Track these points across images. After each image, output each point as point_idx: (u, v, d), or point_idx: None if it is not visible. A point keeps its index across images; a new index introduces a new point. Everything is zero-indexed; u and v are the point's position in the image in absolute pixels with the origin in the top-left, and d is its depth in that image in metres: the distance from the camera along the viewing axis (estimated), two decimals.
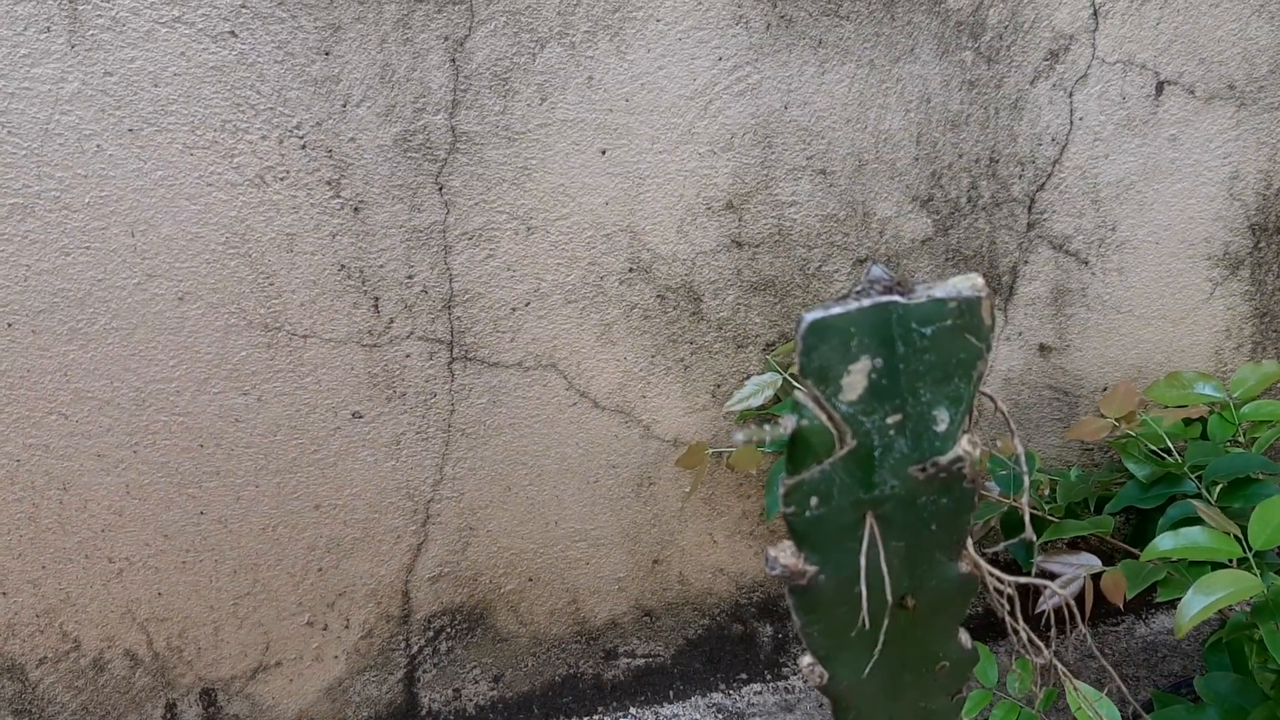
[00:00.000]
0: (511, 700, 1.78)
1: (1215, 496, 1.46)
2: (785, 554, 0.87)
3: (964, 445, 0.83)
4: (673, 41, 1.50)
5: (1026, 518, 0.75)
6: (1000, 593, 0.91)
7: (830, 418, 0.81)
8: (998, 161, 1.66)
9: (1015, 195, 1.69)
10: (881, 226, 1.65)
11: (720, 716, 1.81)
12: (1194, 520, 1.43)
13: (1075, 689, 1.07)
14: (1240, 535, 1.21)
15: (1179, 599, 1.35)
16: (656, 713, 1.82)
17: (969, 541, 0.89)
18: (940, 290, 0.79)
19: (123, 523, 1.53)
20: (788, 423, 0.80)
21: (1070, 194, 1.70)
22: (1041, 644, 0.96)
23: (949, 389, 0.82)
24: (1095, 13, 1.62)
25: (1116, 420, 1.59)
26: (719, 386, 1.68)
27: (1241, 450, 1.55)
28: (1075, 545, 1.67)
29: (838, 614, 0.90)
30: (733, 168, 1.57)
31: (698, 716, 1.82)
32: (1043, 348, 1.78)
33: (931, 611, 0.92)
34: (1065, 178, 1.69)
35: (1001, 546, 1.17)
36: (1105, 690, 1.35)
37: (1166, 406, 1.65)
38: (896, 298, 0.79)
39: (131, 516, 1.53)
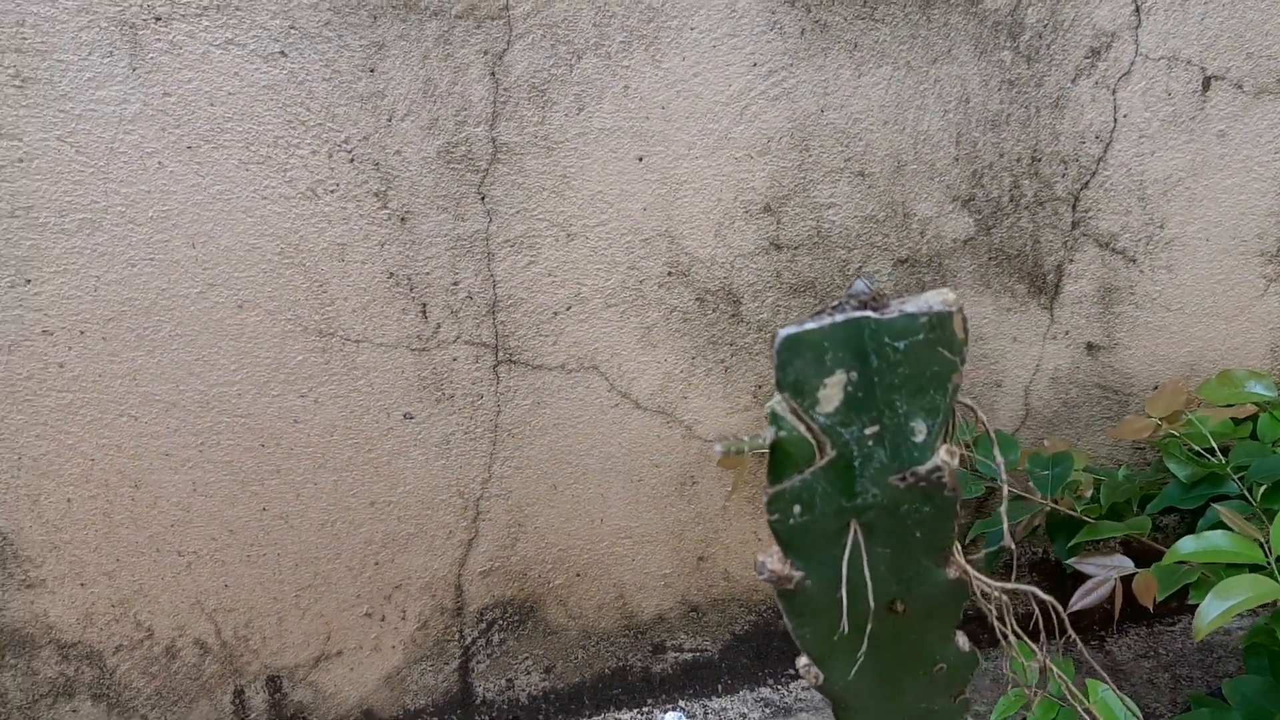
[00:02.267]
0: (563, 691, 1.83)
1: (1259, 498, 1.45)
2: (773, 559, 0.90)
3: (942, 455, 0.85)
4: (707, 49, 1.53)
5: (1005, 522, 0.77)
6: (988, 598, 0.92)
7: (809, 429, 0.84)
8: (1040, 160, 1.66)
9: (1059, 194, 1.68)
10: (922, 227, 1.66)
11: (768, 711, 1.84)
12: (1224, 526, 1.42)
13: (1063, 681, 1.08)
14: (1263, 541, 1.20)
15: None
16: (705, 706, 1.86)
17: (956, 548, 0.91)
18: (912, 305, 0.81)
19: (190, 518, 1.62)
20: (766, 434, 0.83)
21: (1116, 191, 1.69)
22: (1035, 648, 0.97)
23: (925, 401, 0.84)
24: (1137, 9, 1.60)
25: (1160, 420, 1.58)
26: (760, 387, 1.71)
27: None
28: (1126, 546, 1.66)
29: (826, 617, 0.93)
30: (770, 171, 1.60)
31: (746, 710, 1.85)
32: (1090, 346, 1.77)
33: (923, 616, 0.95)
34: (1110, 175, 1.68)
35: (980, 555, 1.18)
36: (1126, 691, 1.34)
37: (1219, 405, 1.63)
38: (869, 313, 0.81)
39: (199, 512, 1.62)
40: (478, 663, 1.79)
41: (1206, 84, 1.65)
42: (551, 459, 1.69)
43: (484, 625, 1.77)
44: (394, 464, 1.65)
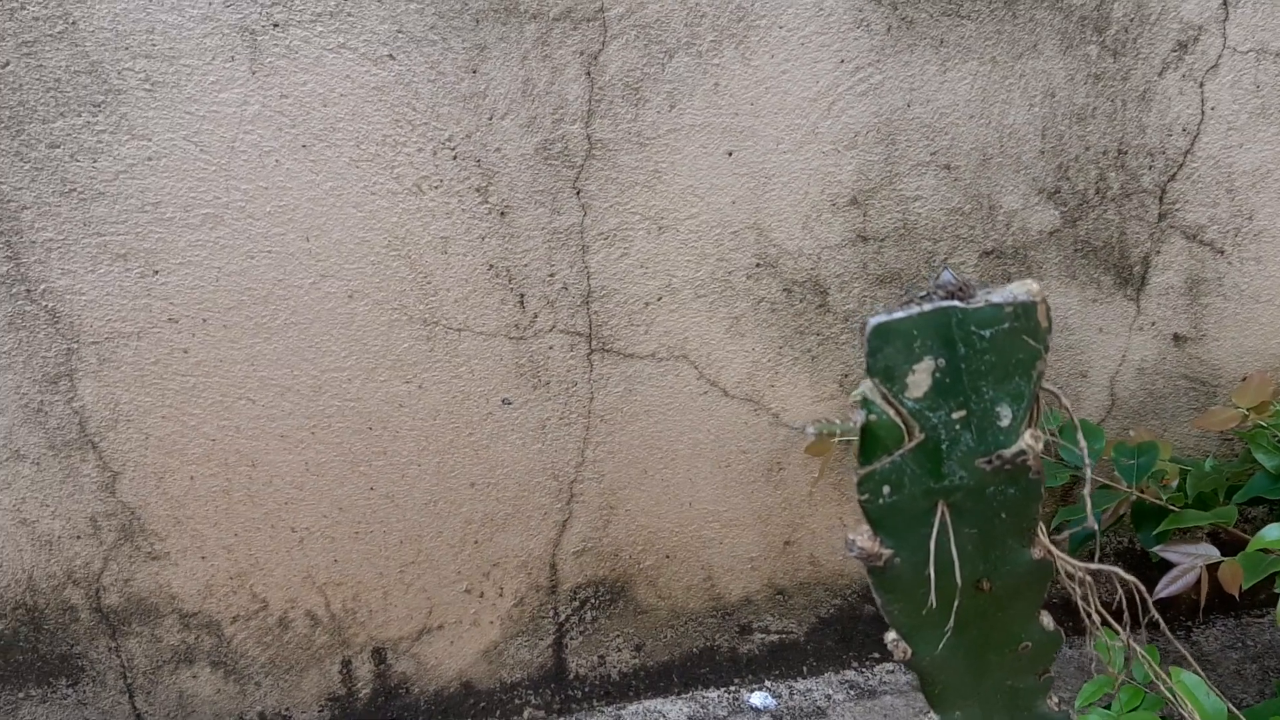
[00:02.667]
0: (652, 669, 1.89)
1: None
2: (863, 537, 0.95)
3: (1027, 439, 0.90)
4: (795, 46, 1.58)
5: (1089, 504, 0.81)
6: (1072, 577, 0.96)
7: (898, 413, 0.89)
8: (1126, 153, 1.67)
9: (1145, 186, 1.69)
10: (1008, 219, 1.69)
11: (853, 693, 1.89)
12: None
13: (1156, 675, 1.11)
14: None
15: None
16: (790, 687, 1.91)
17: (1040, 529, 0.95)
18: (998, 295, 0.86)
19: (303, 496, 1.71)
20: (857, 417, 0.88)
21: (1203, 184, 1.70)
22: (1118, 628, 1.00)
23: (1010, 387, 0.88)
24: (1225, 2, 1.61)
25: (1248, 410, 1.59)
26: (846, 376, 1.75)
27: None
28: (1213, 536, 1.67)
29: (915, 594, 0.98)
30: (857, 165, 1.64)
31: (830, 692, 1.89)
32: (1177, 337, 1.78)
33: (1009, 595, 0.99)
34: (1197, 168, 1.69)
35: (1064, 538, 1.21)
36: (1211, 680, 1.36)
37: None
38: (956, 303, 0.86)
39: (310, 491, 1.71)
40: (571, 639, 1.86)
41: None
42: (642, 444, 1.75)
43: (577, 603, 1.84)
44: (493, 447, 1.73)
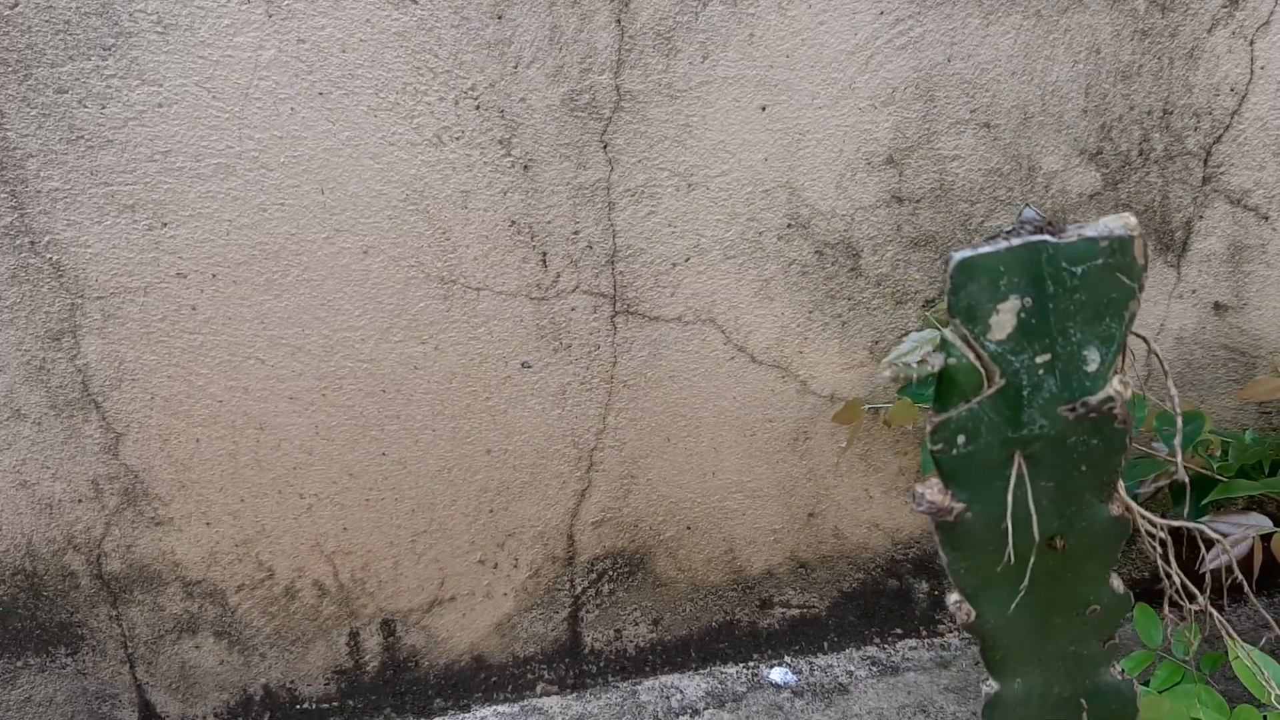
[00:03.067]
0: (670, 643, 1.84)
1: None
2: (932, 490, 0.89)
3: (1115, 385, 0.84)
4: None
5: (1179, 459, 0.75)
6: (1153, 536, 0.91)
7: (978, 356, 0.83)
8: (1171, 113, 1.62)
9: (1190, 148, 1.64)
10: (1047, 181, 1.63)
11: (875, 669, 1.84)
12: None
13: (1234, 639, 1.06)
14: None
15: None
16: (811, 663, 1.86)
17: (1120, 484, 0.90)
18: (1092, 229, 0.80)
19: (312, 461, 1.65)
20: (935, 360, 0.83)
21: (1250, 146, 1.64)
22: (1196, 590, 0.95)
23: (1100, 329, 0.83)
24: None
25: None
26: (876, 343, 1.69)
27: None
28: (1249, 507, 1.63)
29: (985, 552, 0.92)
30: (893, 122, 1.58)
31: (852, 668, 1.84)
32: (1218, 306, 1.73)
33: (1082, 553, 0.93)
34: (1244, 129, 1.63)
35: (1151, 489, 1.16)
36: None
37: None
38: (1047, 237, 0.80)
39: (320, 455, 1.65)
40: (587, 612, 1.80)
41: None
42: (666, 411, 1.69)
43: (594, 575, 1.78)
44: (511, 412, 1.67)
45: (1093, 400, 0.84)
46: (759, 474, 1.75)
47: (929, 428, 0.85)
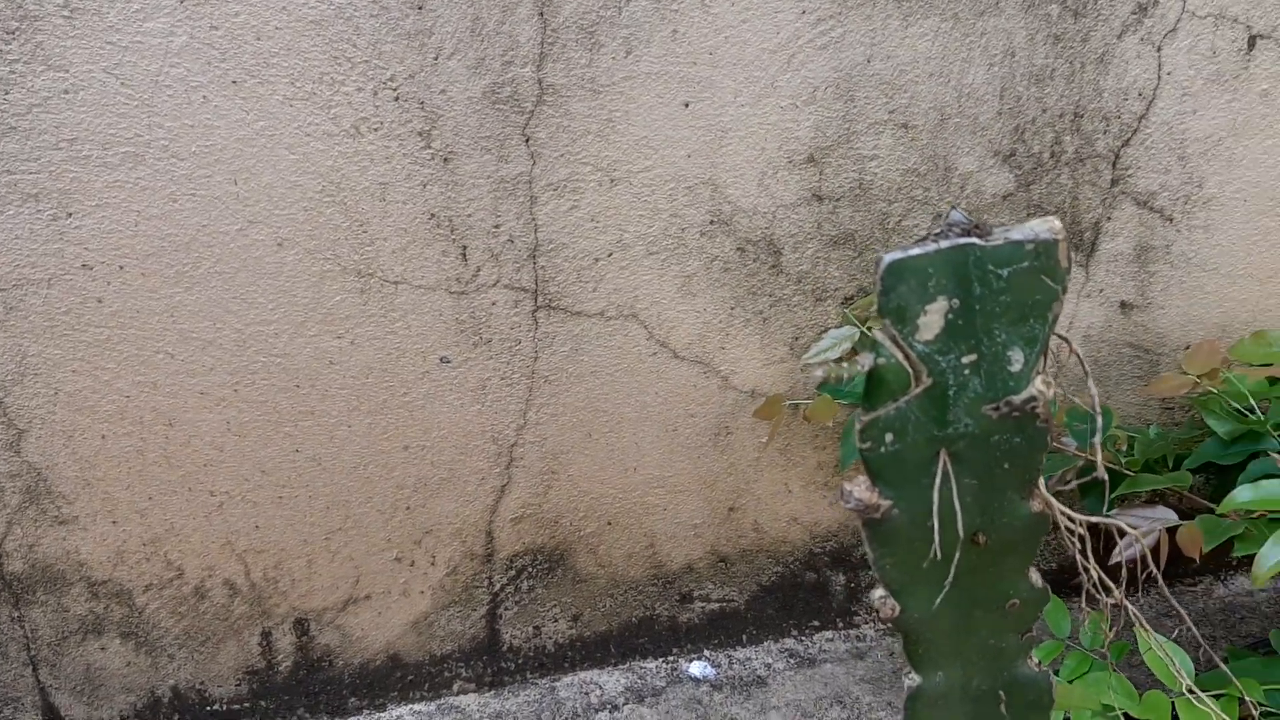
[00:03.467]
0: (589, 639, 1.83)
1: None
2: (860, 488, 0.90)
3: (1038, 385, 0.86)
4: None
5: (1099, 458, 0.77)
6: (1071, 531, 0.93)
7: (907, 356, 0.84)
8: (1082, 116, 1.66)
9: (1099, 151, 1.68)
10: (963, 181, 1.66)
11: (792, 661, 1.85)
12: (1275, 475, 1.43)
13: (1147, 630, 1.09)
14: None
15: (1255, 554, 1.36)
16: (730, 655, 1.87)
17: (1040, 480, 0.92)
18: (1018, 233, 0.81)
19: (223, 458, 1.61)
20: (865, 360, 0.83)
21: (1156, 150, 1.69)
22: (1112, 584, 0.98)
23: (1024, 330, 0.84)
24: None
25: (1198, 377, 1.59)
26: (797, 339, 1.71)
27: None
28: (1152, 501, 1.68)
29: (910, 548, 0.93)
30: (814, 121, 1.59)
31: (770, 661, 1.86)
32: (1124, 305, 1.78)
33: (1003, 549, 0.95)
34: (1151, 133, 1.68)
35: (1074, 484, 1.19)
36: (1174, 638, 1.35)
37: (1251, 365, 1.64)
38: (975, 240, 0.81)
39: (232, 452, 1.61)
40: (505, 609, 1.79)
41: (1251, 43, 1.65)
42: (588, 407, 1.68)
43: (513, 572, 1.77)
44: (429, 408, 1.64)
45: (1016, 400, 0.86)
46: (680, 469, 1.75)
47: (858, 426, 0.86)
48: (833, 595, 1.89)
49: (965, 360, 0.84)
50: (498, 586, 1.77)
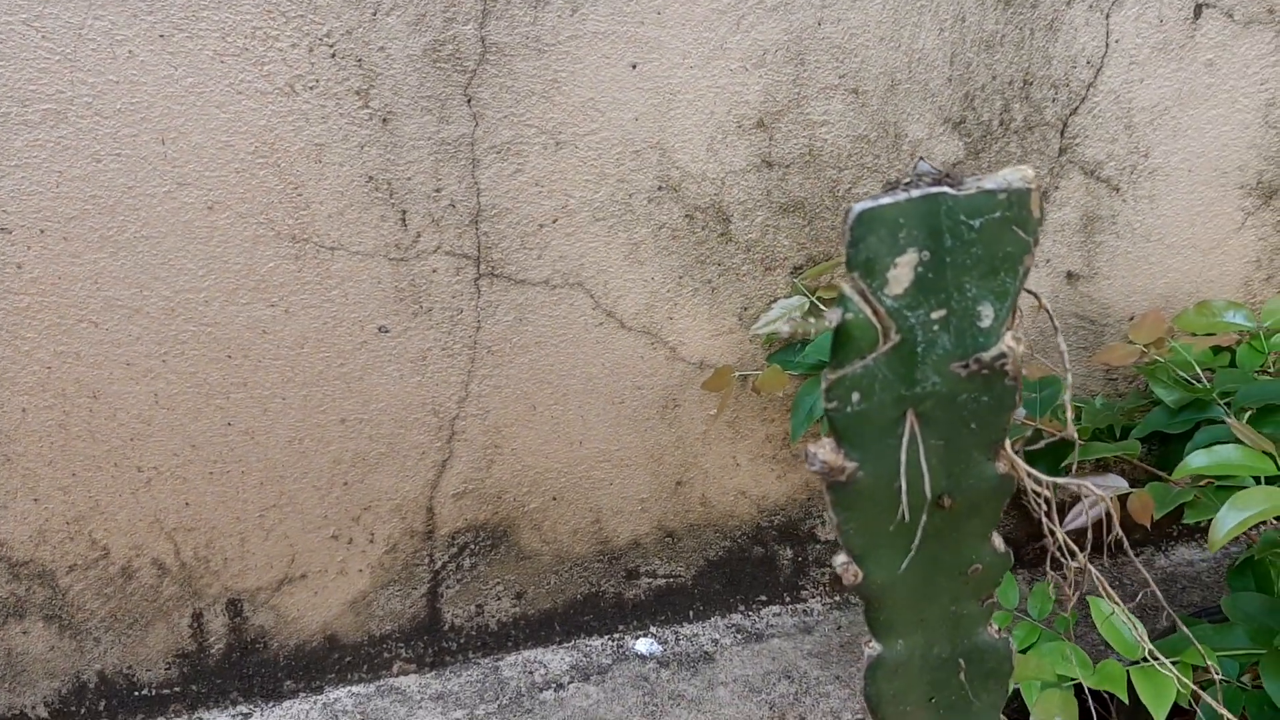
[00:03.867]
0: (533, 617, 1.79)
1: (1244, 422, 1.46)
2: (825, 450, 0.87)
3: (1007, 341, 0.83)
4: None
5: (1069, 415, 0.75)
6: (1038, 494, 0.91)
7: (875, 311, 0.81)
8: (1031, 84, 1.64)
9: (1048, 119, 1.67)
10: (913, 148, 1.64)
11: (739, 637, 1.83)
12: (1225, 442, 1.43)
13: (1110, 595, 1.08)
14: (1274, 453, 1.20)
15: (1203, 522, 1.36)
16: (676, 632, 1.84)
17: (1007, 441, 0.89)
18: (990, 182, 0.78)
19: (151, 432, 1.54)
20: (833, 316, 0.80)
21: (1104, 119, 1.68)
22: (1076, 548, 0.96)
23: (995, 284, 0.81)
24: None
25: (1145, 346, 1.59)
26: (746, 309, 1.68)
27: (1271, 378, 1.54)
28: (1099, 469, 1.68)
29: (875, 512, 0.90)
30: (764, 85, 1.56)
31: (717, 636, 1.83)
32: (1070, 275, 1.77)
33: (967, 512, 0.93)
34: (1099, 102, 1.67)
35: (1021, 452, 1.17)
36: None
37: (1194, 335, 1.65)
38: (946, 189, 0.78)
39: (160, 426, 1.54)
40: (447, 588, 1.74)
41: (1198, 11, 1.65)
42: (532, 378, 1.64)
43: (455, 549, 1.72)
44: (367, 379, 1.59)
45: (985, 357, 0.83)
46: (627, 443, 1.72)
47: (824, 385, 0.83)
48: (780, 570, 1.87)
49: (934, 316, 0.81)
50: (439, 564, 1.72)
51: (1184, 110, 1.70)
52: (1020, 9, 1.60)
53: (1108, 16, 1.63)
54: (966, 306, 0.82)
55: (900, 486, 0.86)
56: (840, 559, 0.95)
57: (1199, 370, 1.56)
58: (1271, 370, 1.59)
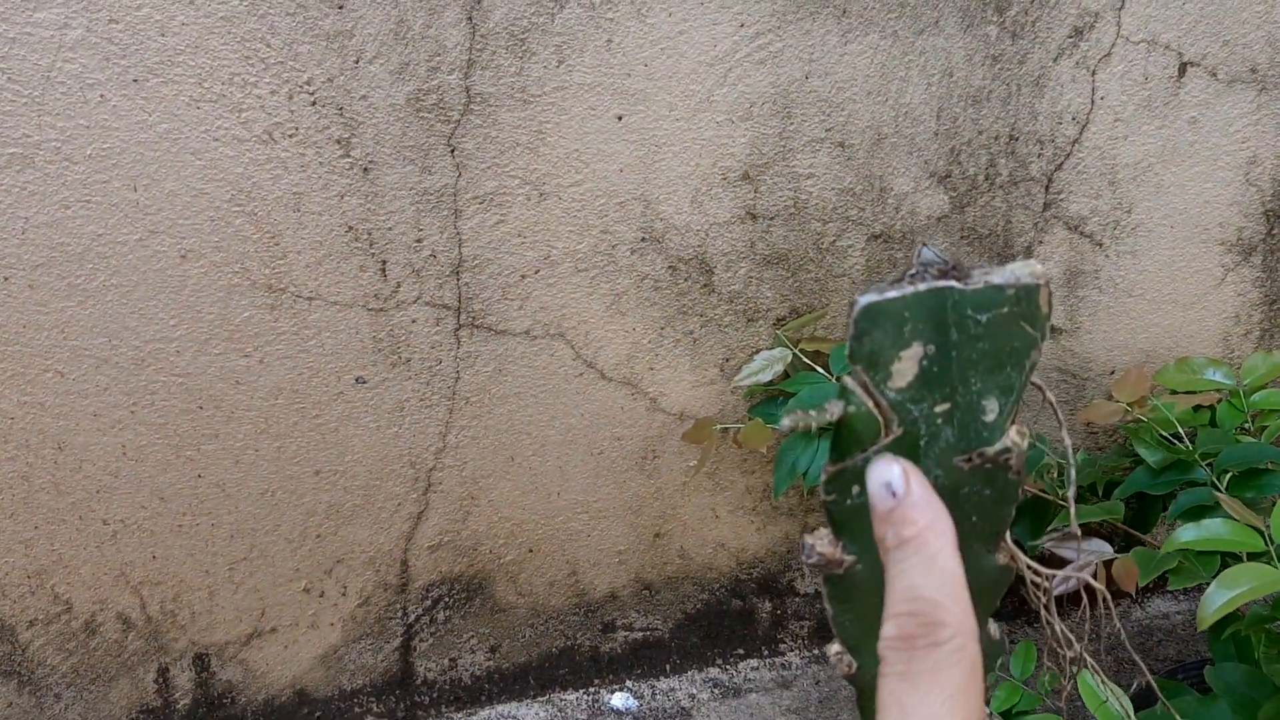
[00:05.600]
0: (508, 671, 1.76)
1: (1225, 485, 1.46)
2: (822, 542, 0.84)
3: (1012, 436, 0.81)
4: (694, 6, 1.47)
5: (1073, 510, 0.73)
6: (1037, 585, 0.89)
7: (877, 404, 0.79)
8: (1017, 139, 1.64)
9: (1033, 174, 1.66)
10: (898, 202, 1.63)
11: (717, 691, 1.80)
12: (1206, 509, 1.42)
13: (1097, 673, 1.06)
14: (1261, 528, 1.20)
15: (1188, 587, 1.35)
16: (653, 686, 1.81)
17: (1007, 534, 0.88)
18: (999, 276, 0.76)
19: (118, 484, 1.50)
20: (834, 409, 0.78)
21: (1088, 174, 1.68)
22: (1072, 637, 0.94)
23: (1000, 378, 0.79)
24: None
25: (1128, 405, 1.58)
26: (728, 360, 1.66)
27: (1253, 440, 1.54)
28: (1082, 531, 1.67)
29: (871, 602, 0.88)
30: (750, 138, 1.54)
31: (694, 691, 1.81)
32: (1053, 329, 1.77)
33: None
34: (1084, 158, 1.67)
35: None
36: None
37: (1174, 391, 1.64)
38: (953, 283, 0.76)
39: (127, 478, 1.50)
40: (420, 641, 1.70)
41: (1182, 70, 1.65)
42: (510, 429, 1.61)
43: (429, 602, 1.68)
44: (342, 431, 1.55)
45: (989, 451, 0.81)
46: (605, 494, 1.69)
47: (823, 478, 0.80)
48: (758, 623, 1.85)
49: (938, 409, 0.79)
50: (412, 617, 1.68)
51: (1167, 167, 1.70)
52: (1007, 65, 1.60)
53: (1094, 74, 1.63)
54: (971, 400, 0.80)
55: None
56: (835, 648, 0.92)
57: (1181, 429, 1.55)
58: (1251, 429, 1.59)
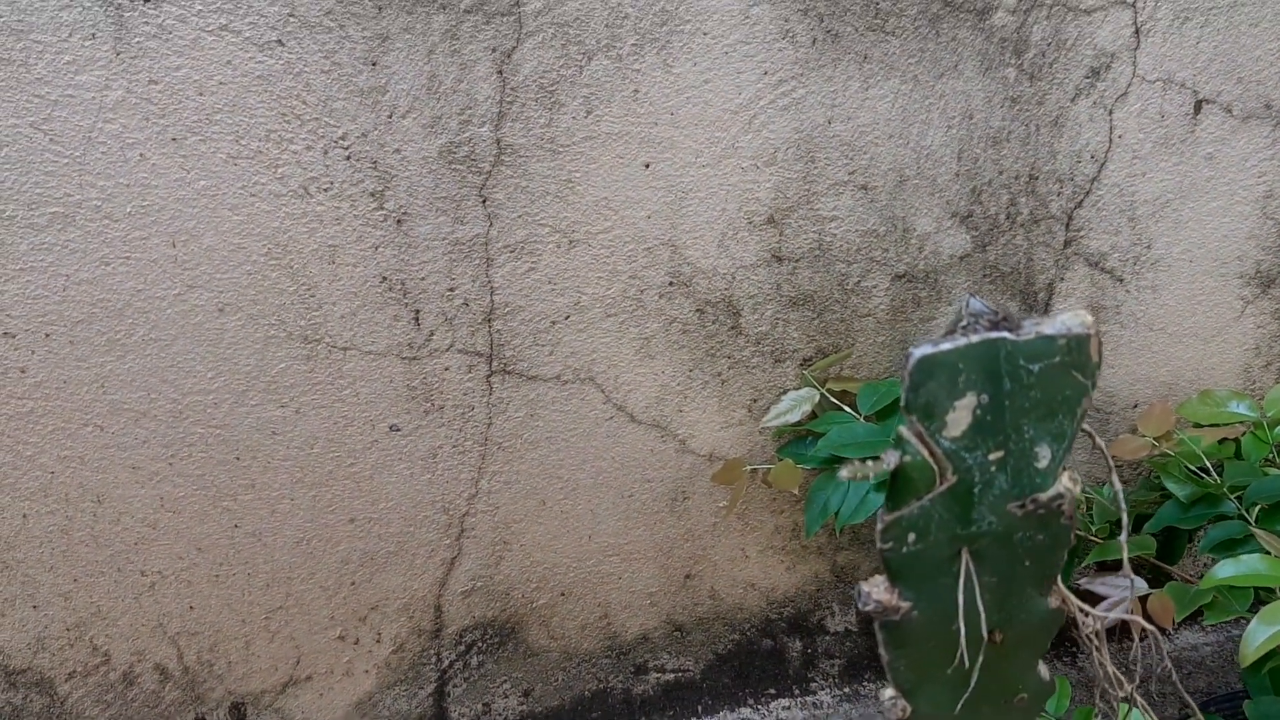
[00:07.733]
0: (541, 715, 1.76)
1: (1255, 518, 1.47)
2: (879, 589, 0.86)
3: (1064, 482, 0.83)
4: (719, 55, 1.49)
5: (1125, 553, 0.75)
6: (1088, 626, 0.90)
7: (932, 453, 0.80)
8: (1037, 178, 1.66)
9: (1054, 212, 1.69)
10: (921, 242, 1.65)
11: None
12: (1237, 542, 1.43)
13: (1147, 713, 1.07)
14: None
15: (1223, 621, 1.36)
16: None
17: (1059, 577, 0.89)
18: (1049, 327, 0.79)
19: (156, 536, 1.51)
20: (890, 458, 0.80)
21: (1107, 211, 1.70)
22: (1124, 678, 0.95)
23: (1052, 425, 0.81)
24: (1137, 31, 1.62)
25: (1155, 439, 1.60)
26: (755, 401, 1.67)
27: (1279, 472, 1.55)
28: (1110, 566, 1.67)
29: (926, 648, 0.90)
30: (775, 182, 1.57)
31: None
32: None
33: (1016, 645, 0.92)
34: (1103, 195, 1.69)
35: None
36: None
37: (1197, 424, 1.66)
38: (1005, 334, 0.78)
39: (165, 529, 1.51)
40: (454, 687, 1.71)
41: (1198, 107, 1.68)
42: (542, 473, 1.62)
43: (462, 648, 1.69)
44: (377, 478, 1.57)
45: (1043, 497, 0.83)
46: (636, 536, 1.70)
47: (880, 526, 0.82)
48: (789, 662, 1.85)
49: (992, 457, 0.81)
50: (446, 663, 1.69)
51: (1185, 202, 1.72)
52: (1026, 106, 1.62)
53: (1111, 113, 1.65)
54: (1024, 448, 0.82)
55: (959, 628, 0.85)
56: (888, 694, 0.93)
57: (1208, 463, 1.57)
58: (1276, 461, 1.60)
